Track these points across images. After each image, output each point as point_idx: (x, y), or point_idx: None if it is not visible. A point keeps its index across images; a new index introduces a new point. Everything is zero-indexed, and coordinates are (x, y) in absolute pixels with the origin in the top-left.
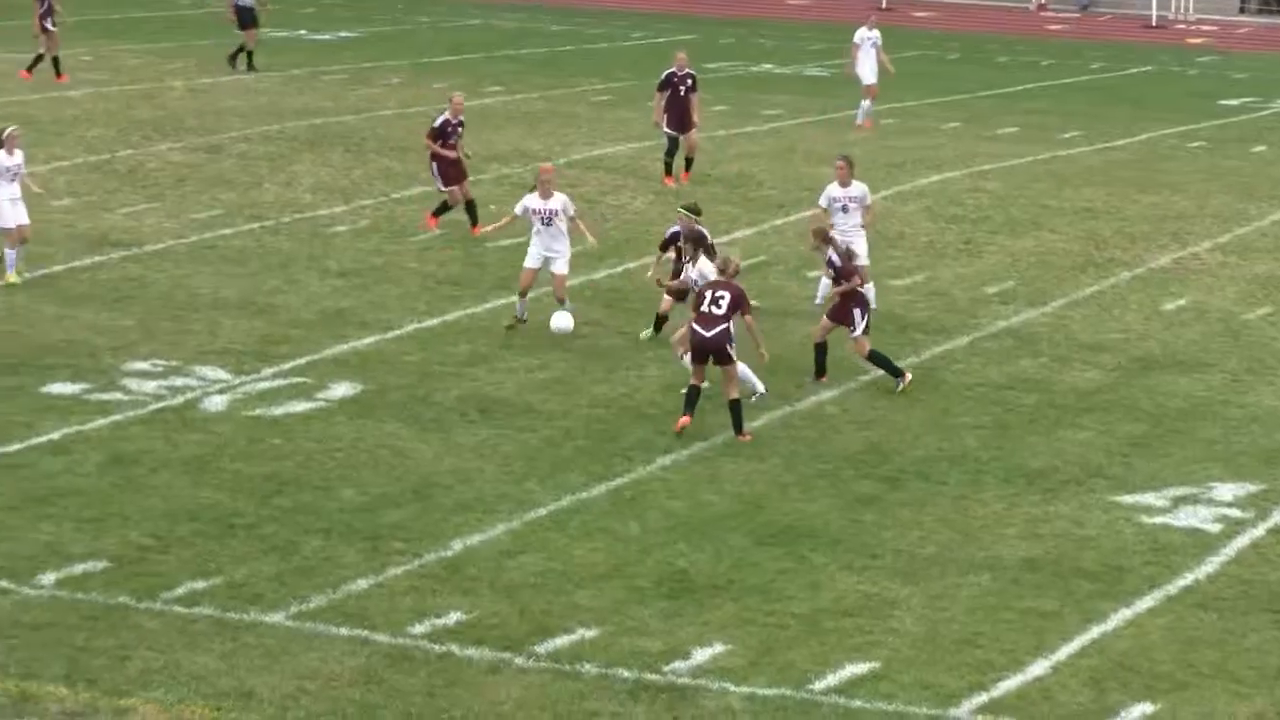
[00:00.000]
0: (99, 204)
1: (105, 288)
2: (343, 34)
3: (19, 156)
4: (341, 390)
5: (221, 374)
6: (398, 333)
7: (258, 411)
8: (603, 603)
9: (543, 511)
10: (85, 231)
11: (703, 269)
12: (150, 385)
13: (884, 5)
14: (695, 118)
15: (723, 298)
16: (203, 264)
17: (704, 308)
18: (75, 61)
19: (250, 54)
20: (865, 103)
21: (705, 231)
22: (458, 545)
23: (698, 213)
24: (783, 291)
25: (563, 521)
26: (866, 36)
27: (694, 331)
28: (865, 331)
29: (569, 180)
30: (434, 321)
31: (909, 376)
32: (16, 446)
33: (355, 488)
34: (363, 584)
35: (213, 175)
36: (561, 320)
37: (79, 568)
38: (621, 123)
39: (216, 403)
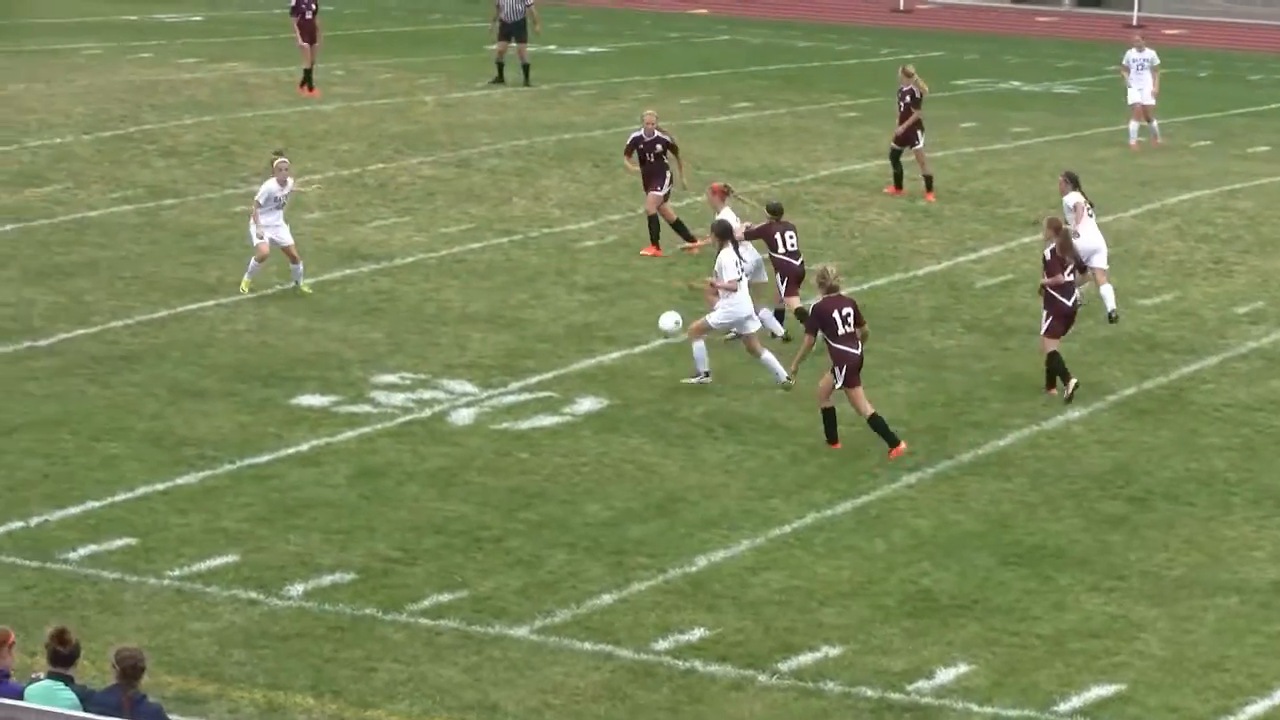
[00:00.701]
0: (349, 217)
1: (355, 301)
2: (592, 49)
3: (290, 186)
4: (588, 405)
5: (469, 387)
6: (644, 348)
7: (504, 425)
8: (847, 621)
9: (787, 528)
10: (336, 245)
11: (723, 260)
12: (398, 398)
13: (1135, 23)
14: (898, 129)
15: (850, 315)
16: (451, 278)
17: (842, 330)
18: (328, 76)
19: (502, 67)
20: (1134, 124)
21: (732, 225)
22: (702, 561)
23: (778, 213)
24: (1029, 309)
25: (807, 539)
26: (1135, 58)
27: (846, 354)
28: (1051, 334)
29: (815, 196)
30: (680, 337)
31: (1072, 385)
32: (266, 458)
33: (601, 502)
34: (607, 599)
35: (462, 190)
36: (667, 321)
37: (327, 579)
38: (869, 139)
39: (464, 416)
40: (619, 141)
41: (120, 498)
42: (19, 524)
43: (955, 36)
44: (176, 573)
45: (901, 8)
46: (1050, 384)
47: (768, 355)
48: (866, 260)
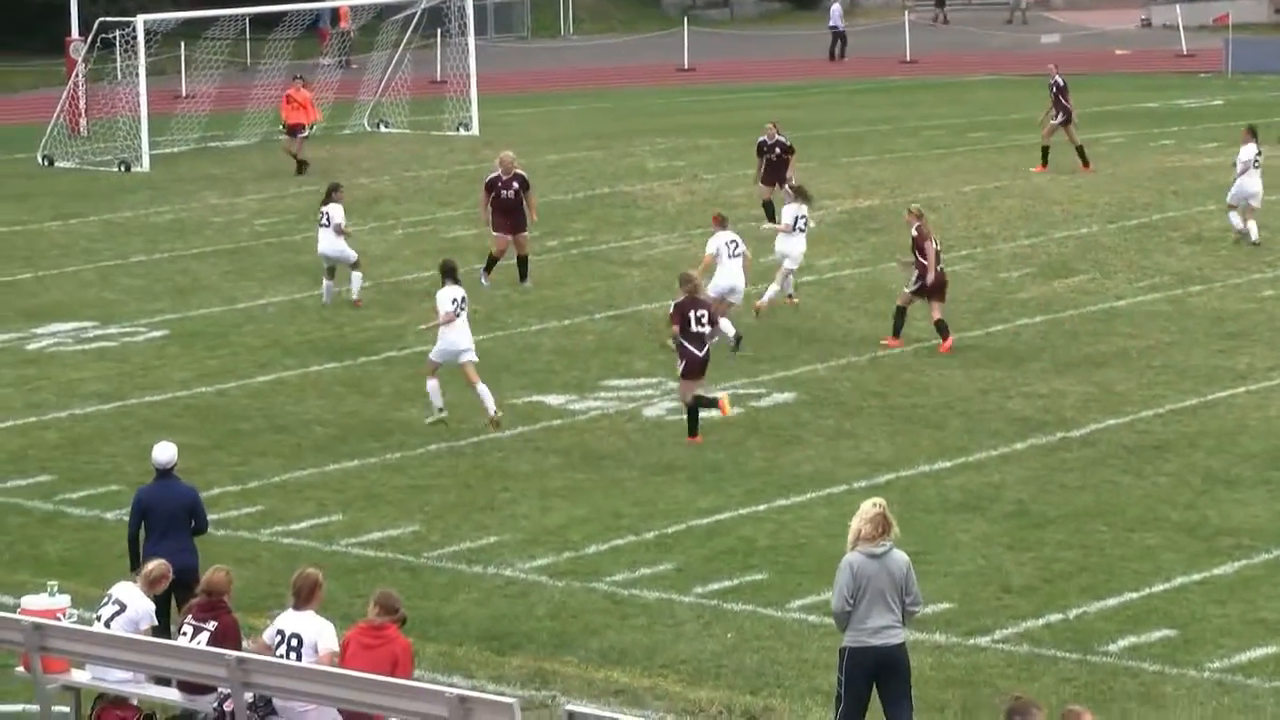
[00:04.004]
0: None
1: None
2: None
3: None
4: None
5: None
6: None
7: None
8: None
9: None
10: None
11: (438, 296)
12: None
13: None
14: None
15: (704, 315)
16: None
17: (694, 328)
18: None
19: None
20: None
21: (453, 264)
22: None
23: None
24: None
25: None
26: None
27: (693, 352)
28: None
29: None
30: None
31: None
32: None
33: None
34: None
35: None
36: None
37: None
38: None
39: None
40: None
41: (1157, 589)
42: (1058, 616)
43: None
44: (1216, 664)
45: None
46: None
47: (481, 387)
48: None
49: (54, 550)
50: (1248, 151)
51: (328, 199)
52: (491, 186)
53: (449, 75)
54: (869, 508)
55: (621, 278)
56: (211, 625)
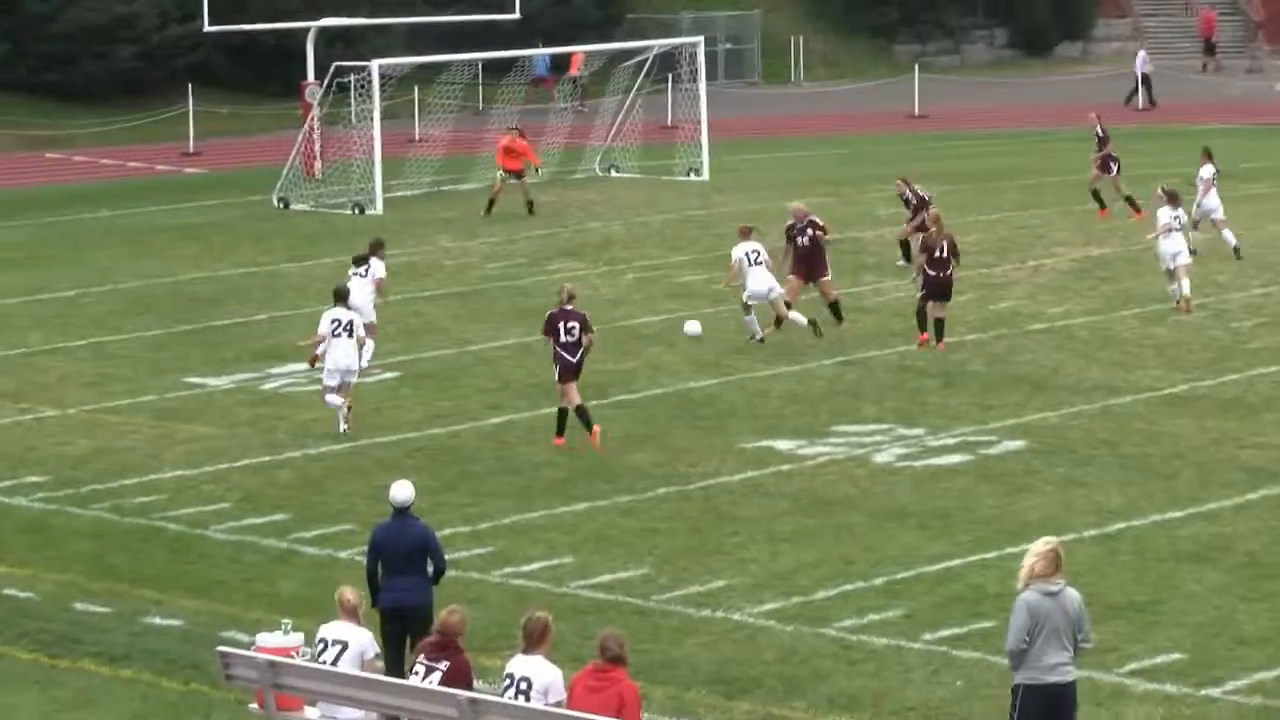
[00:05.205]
0: None
1: None
2: None
3: None
4: None
5: None
6: None
7: None
8: None
9: None
10: None
11: None
12: None
13: None
14: None
15: (574, 327)
16: None
17: (564, 338)
18: None
19: None
20: None
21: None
22: None
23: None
24: None
25: None
26: None
27: (566, 359)
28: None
29: None
30: None
31: None
32: None
33: None
34: None
35: None
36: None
37: None
38: None
39: None
40: None
41: None
42: None
43: None
44: None
45: None
46: None
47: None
48: None
49: (287, 589)
50: (1166, 214)
51: (374, 253)
52: (788, 235)
53: (680, 120)
54: (1041, 545)
55: (852, 323)
56: (444, 665)
